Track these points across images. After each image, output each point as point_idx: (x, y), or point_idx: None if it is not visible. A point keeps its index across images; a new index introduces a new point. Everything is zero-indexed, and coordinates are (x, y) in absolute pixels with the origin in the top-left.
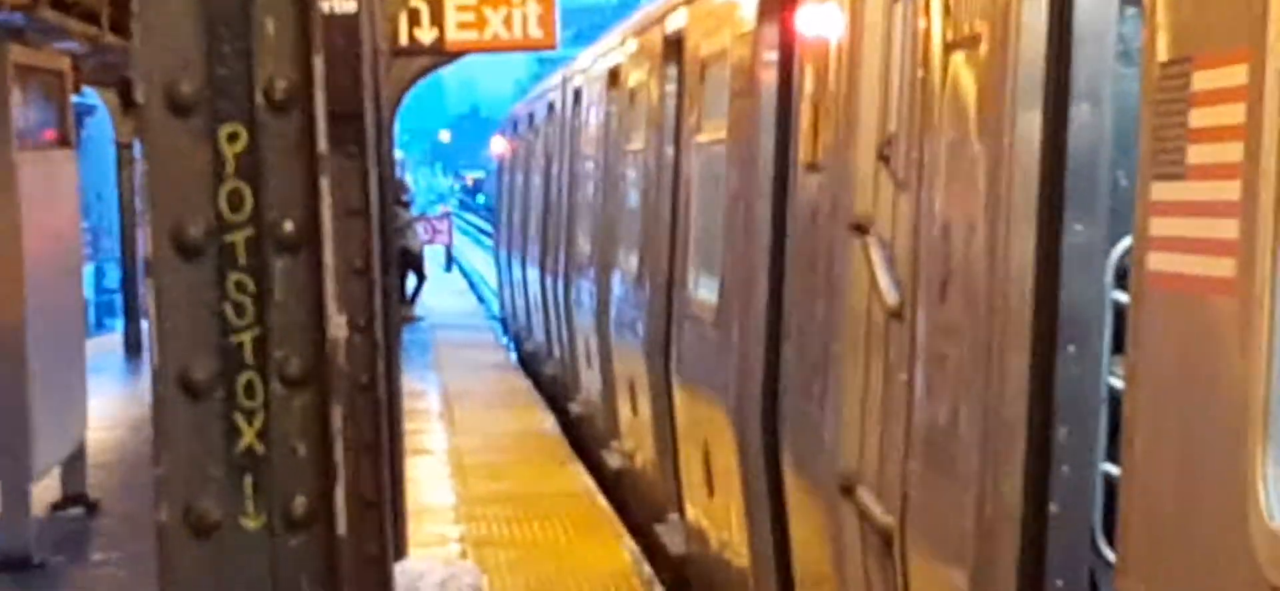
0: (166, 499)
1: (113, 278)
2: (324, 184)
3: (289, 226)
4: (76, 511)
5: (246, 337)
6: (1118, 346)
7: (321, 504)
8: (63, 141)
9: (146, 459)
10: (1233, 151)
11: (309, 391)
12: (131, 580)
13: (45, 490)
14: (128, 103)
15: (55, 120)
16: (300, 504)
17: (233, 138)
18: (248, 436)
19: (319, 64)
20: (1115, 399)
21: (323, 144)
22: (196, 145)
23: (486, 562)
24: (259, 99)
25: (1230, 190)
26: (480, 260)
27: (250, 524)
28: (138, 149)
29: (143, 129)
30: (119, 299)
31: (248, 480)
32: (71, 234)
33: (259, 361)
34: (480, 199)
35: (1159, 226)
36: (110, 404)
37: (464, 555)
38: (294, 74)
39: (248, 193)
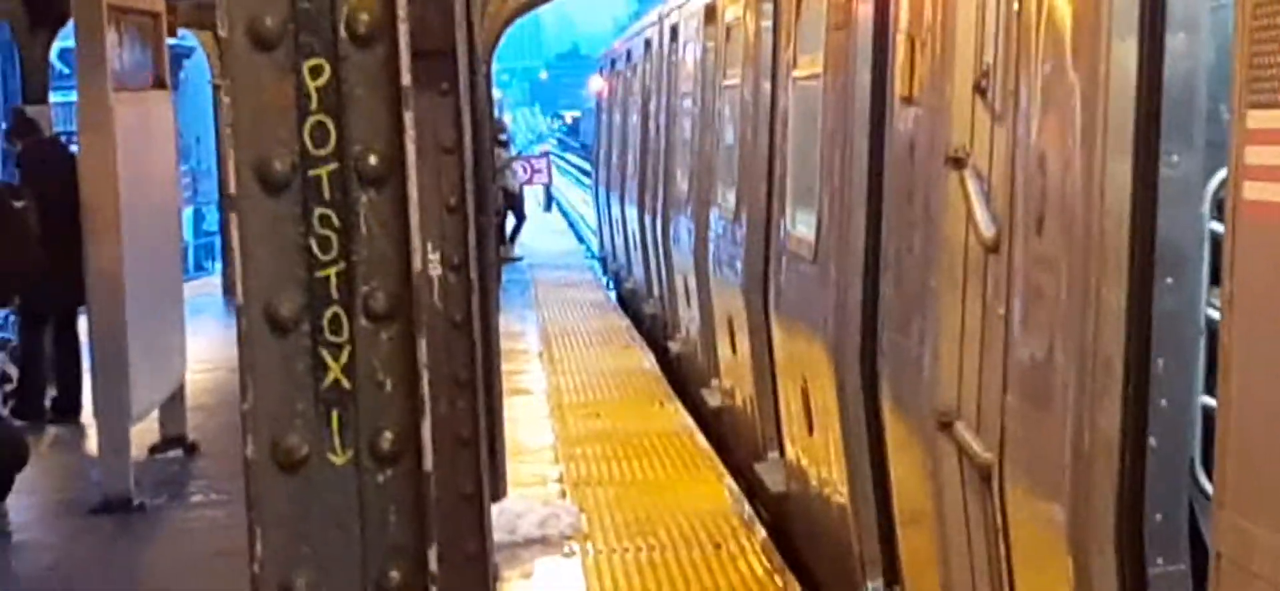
0: (253, 434)
1: (212, 220)
2: (408, 118)
3: (373, 160)
4: (176, 453)
5: (332, 272)
6: (1215, 278)
7: (408, 439)
8: (159, 83)
9: None
10: None
11: (395, 326)
12: (231, 520)
13: (144, 432)
14: None
15: (151, 62)
16: (387, 438)
17: (316, 72)
18: (334, 371)
19: None
20: (1213, 331)
21: (406, 77)
22: (280, 79)
23: (586, 501)
24: (342, 32)
25: None
26: (579, 199)
27: (337, 459)
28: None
29: (226, 64)
30: (218, 241)
31: (335, 415)
32: (168, 176)
33: (344, 296)
34: (577, 140)
35: (1254, 154)
36: (209, 346)
37: (563, 494)
38: (377, 7)
39: (332, 127)
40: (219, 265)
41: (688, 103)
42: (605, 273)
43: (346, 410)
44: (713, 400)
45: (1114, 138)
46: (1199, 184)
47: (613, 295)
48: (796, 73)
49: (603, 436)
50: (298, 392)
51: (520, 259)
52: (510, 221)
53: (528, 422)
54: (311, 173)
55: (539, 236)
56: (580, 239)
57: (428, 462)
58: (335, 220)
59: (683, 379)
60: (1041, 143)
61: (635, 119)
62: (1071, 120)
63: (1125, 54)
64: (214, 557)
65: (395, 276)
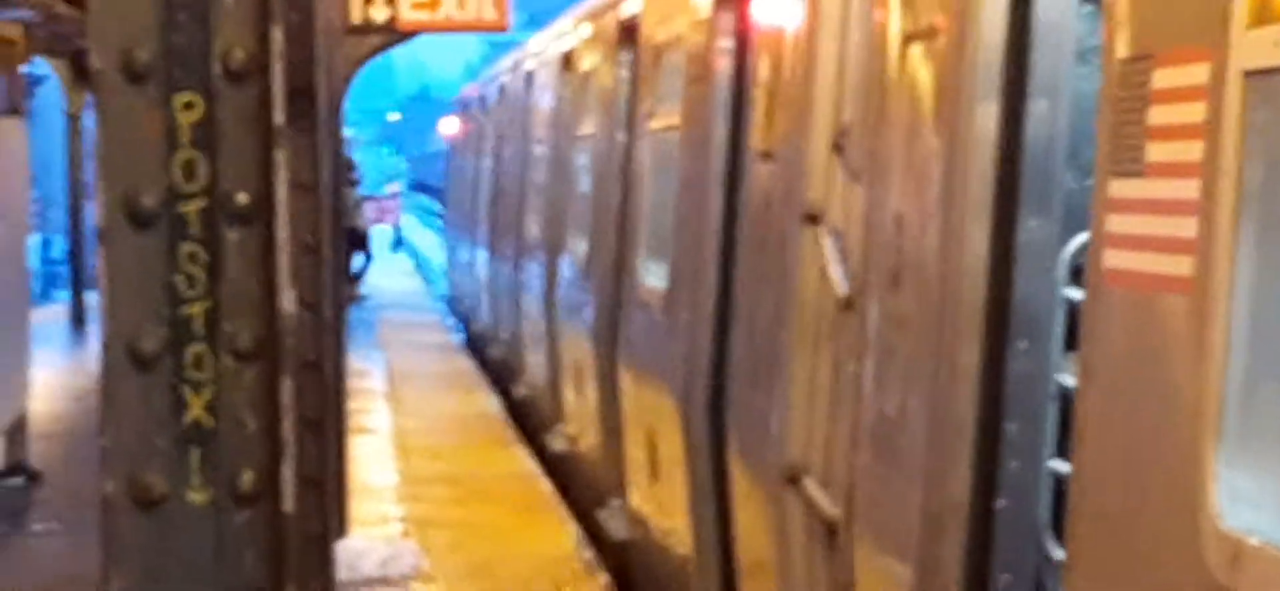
0: (112, 470)
1: (59, 249)
2: (279, 156)
3: (243, 198)
4: (17, 481)
5: (197, 309)
6: (1069, 343)
7: (268, 479)
8: (13, 110)
9: (90, 431)
10: (1193, 150)
11: (259, 365)
12: (72, 550)
13: None
14: (80, 73)
15: (4, 89)
16: (247, 479)
17: (189, 107)
18: (196, 409)
19: (277, 35)
20: (1066, 396)
21: (279, 116)
22: (151, 113)
23: (428, 543)
24: (216, 68)
25: (1189, 188)
26: (430, 240)
27: (196, 498)
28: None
29: (98, 96)
30: (65, 270)
31: (195, 453)
32: (19, 203)
33: (209, 334)
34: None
35: (1115, 223)
36: (54, 375)
37: (406, 534)
38: (252, 44)
39: (202, 163)
40: (66, 294)
41: (541, 150)
42: (453, 315)
43: (207, 449)
44: (557, 445)
45: (972, 200)
46: (1055, 249)
47: (460, 338)
48: (653, 124)
49: (446, 478)
50: (158, 429)
51: (366, 298)
52: (357, 260)
53: (371, 462)
54: (180, 208)
55: (387, 276)
56: (428, 279)
57: (288, 503)
58: (202, 257)
59: (527, 423)
60: (899, 202)
61: (488, 163)
62: (930, 181)
63: (986, 117)
64: (56, 586)
65: (261, 316)
